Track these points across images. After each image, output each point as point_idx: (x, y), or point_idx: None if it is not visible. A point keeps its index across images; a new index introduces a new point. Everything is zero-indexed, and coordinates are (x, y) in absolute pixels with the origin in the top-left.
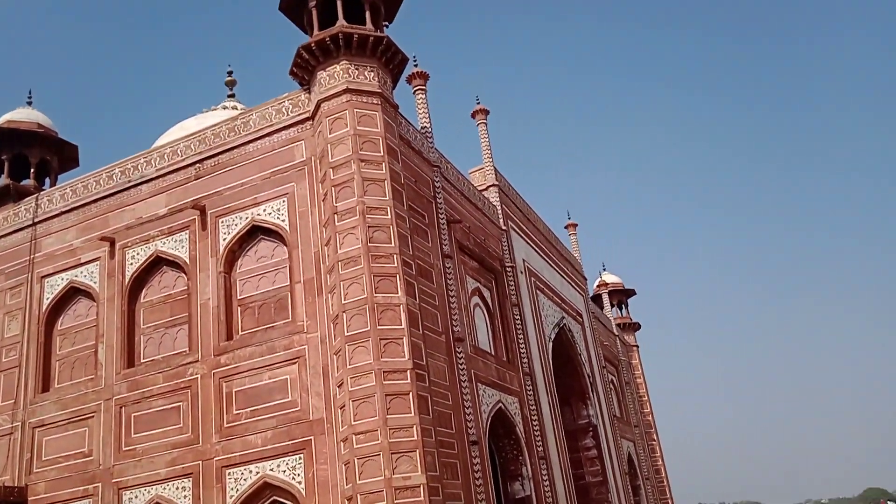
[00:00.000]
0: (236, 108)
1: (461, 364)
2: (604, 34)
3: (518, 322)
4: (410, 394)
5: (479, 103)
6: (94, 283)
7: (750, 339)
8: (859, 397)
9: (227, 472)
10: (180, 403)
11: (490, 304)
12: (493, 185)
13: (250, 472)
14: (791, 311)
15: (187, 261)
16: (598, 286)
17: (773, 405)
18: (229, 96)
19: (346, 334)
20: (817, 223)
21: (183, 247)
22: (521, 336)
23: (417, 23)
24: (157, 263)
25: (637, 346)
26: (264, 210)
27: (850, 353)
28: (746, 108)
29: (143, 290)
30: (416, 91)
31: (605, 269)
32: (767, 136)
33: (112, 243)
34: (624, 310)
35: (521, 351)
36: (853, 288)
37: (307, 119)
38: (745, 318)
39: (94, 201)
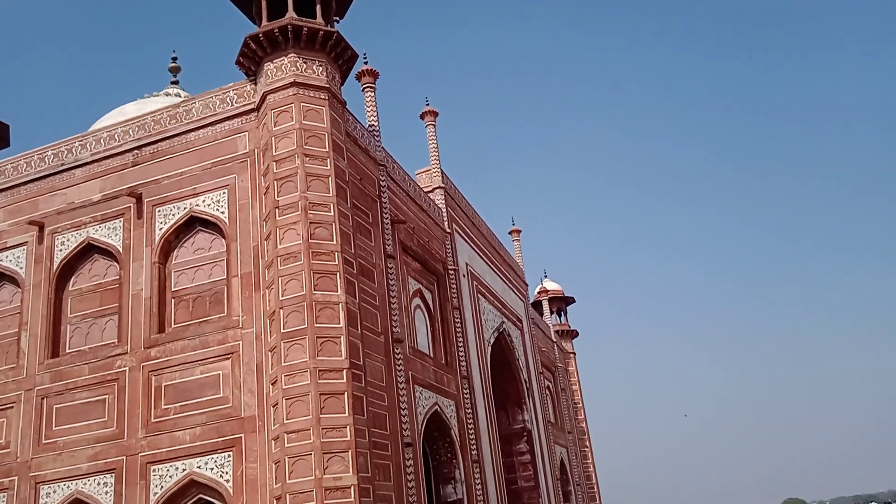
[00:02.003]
0: (179, 96)
1: (399, 365)
2: (556, 39)
3: (458, 325)
4: (345, 393)
5: (428, 105)
6: (20, 268)
7: (683, 356)
8: (783, 408)
9: (152, 468)
10: (106, 396)
11: (431, 306)
12: (439, 188)
13: (176, 468)
14: (727, 328)
15: (120, 249)
16: (538, 293)
17: (703, 419)
18: (173, 83)
19: (282, 331)
20: (768, 238)
21: (116, 235)
22: (460, 339)
23: (370, 20)
24: (88, 251)
25: (574, 354)
26: (203, 201)
27: (780, 365)
28: (702, 117)
29: (72, 278)
30: (364, 88)
31: (546, 276)
32: (724, 146)
33: (41, 228)
34: (563, 317)
35: (460, 354)
36: (791, 304)
37: (252, 110)
38: (680, 333)
39: (24, 184)
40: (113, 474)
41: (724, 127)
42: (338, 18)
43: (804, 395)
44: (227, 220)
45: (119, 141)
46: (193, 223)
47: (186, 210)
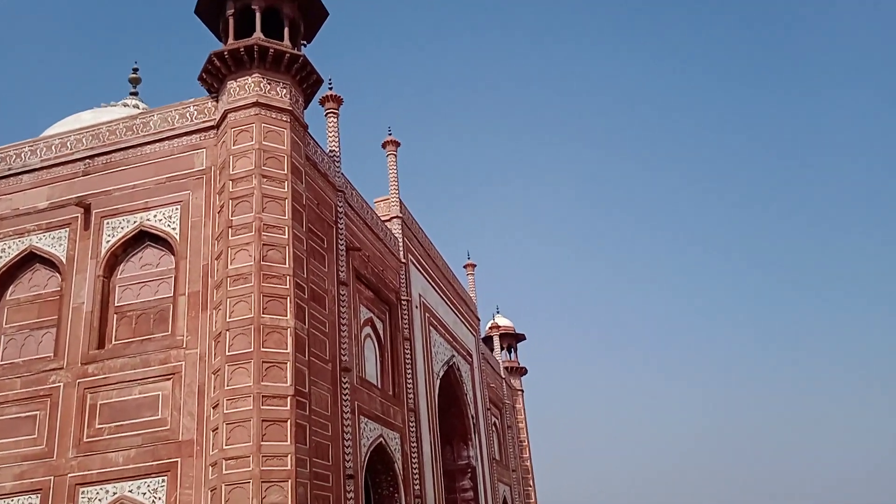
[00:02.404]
0: (137, 107)
1: (345, 395)
2: (528, 69)
3: (408, 357)
4: (289, 421)
5: (390, 134)
6: None
7: (634, 401)
8: (743, 447)
9: (81, 490)
10: (37, 412)
11: (382, 335)
12: (396, 217)
13: (106, 491)
14: (667, 377)
15: (64, 260)
16: (490, 328)
17: (647, 463)
18: (132, 94)
19: (227, 354)
20: (711, 286)
21: (61, 245)
22: (409, 371)
23: (339, 46)
24: (30, 259)
25: (522, 391)
26: (154, 216)
27: (742, 401)
28: (676, 148)
29: (11, 287)
30: (328, 114)
31: (498, 312)
32: (698, 177)
33: None
34: (513, 354)
35: (409, 386)
36: (735, 356)
37: (211, 127)
38: (631, 377)
39: None
40: (39, 495)
41: (700, 157)
42: (305, 42)
43: (767, 436)
44: (177, 237)
45: (71, 149)
46: (143, 238)
47: (136, 224)
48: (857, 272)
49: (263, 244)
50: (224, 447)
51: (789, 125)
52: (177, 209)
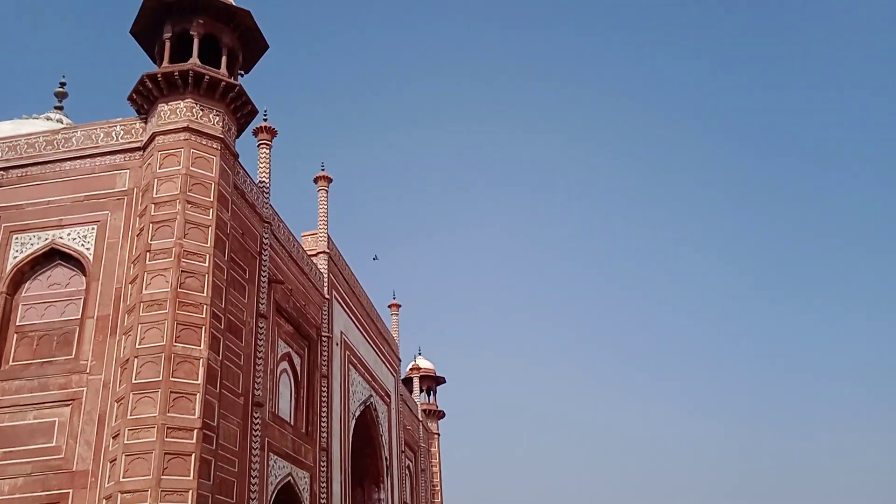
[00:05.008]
0: (61, 122)
1: (256, 430)
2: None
3: (325, 394)
4: (193, 455)
5: (323, 169)
6: None
7: (546, 449)
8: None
9: None
10: None
11: (299, 371)
12: (323, 252)
13: None
14: (584, 427)
15: None
16: (410, 370)
17: None
18: (56, 108)
19: (133, 381)
20: (638, 333)
21: None
22: (324, 409)
23: (276, 79)
24: None
25: (438, 434)
26: (68, 234)
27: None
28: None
29: None
30: (260, 145)
31: (420, 354)
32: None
33: None
34: (432, 396)
35: (323, 425)
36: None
37: (137, 149)
38: (547, 425)
39: None
40: None
41: (653, 189)
42: (243, 72)
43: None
44: (91, 258)
45: None
46: (53, 256)
47: (47, 241)
48: (842, 271)
49: (182, 271)
50: (121, 479)
51: (755, 123)
52: (93, 229)
